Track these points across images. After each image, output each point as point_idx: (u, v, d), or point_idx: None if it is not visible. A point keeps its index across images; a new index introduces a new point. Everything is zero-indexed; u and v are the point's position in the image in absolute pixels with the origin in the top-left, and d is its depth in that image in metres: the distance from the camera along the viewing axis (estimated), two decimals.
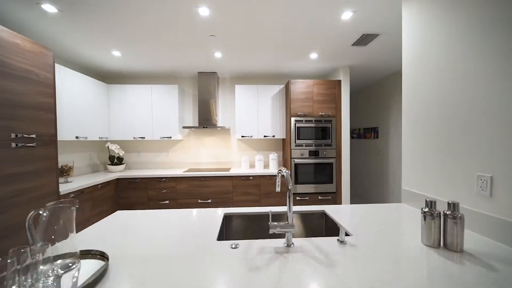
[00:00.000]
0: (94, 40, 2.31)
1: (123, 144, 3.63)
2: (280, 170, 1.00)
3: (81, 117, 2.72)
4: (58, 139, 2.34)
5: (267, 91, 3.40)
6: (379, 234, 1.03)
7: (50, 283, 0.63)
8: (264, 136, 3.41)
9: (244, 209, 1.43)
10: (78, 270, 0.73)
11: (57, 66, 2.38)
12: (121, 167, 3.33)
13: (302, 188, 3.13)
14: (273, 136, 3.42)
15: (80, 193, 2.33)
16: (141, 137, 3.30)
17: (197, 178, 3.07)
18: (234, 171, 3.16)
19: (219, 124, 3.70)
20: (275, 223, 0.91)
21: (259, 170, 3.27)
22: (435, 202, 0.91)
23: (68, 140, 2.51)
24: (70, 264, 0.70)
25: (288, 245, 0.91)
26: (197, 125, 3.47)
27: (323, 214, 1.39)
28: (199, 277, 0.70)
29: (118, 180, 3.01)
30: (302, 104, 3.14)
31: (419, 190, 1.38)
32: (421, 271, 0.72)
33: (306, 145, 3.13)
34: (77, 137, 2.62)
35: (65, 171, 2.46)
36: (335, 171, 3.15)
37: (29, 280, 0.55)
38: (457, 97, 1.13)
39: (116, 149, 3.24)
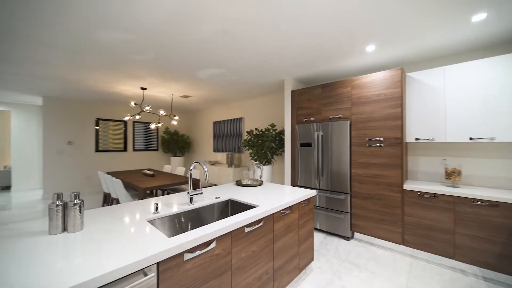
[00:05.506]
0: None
1: None
2: None
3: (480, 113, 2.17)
4: (437, 141, 2.43)
5: None
6: None
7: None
8: None
9: None
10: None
11: (420, 72, 2.39)
12: None
13: None
14: None
15: (419, 195, 2.25)
16: None
17: None
18: None
19: None
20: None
21: None
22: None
23: (458, 141, 2.31)
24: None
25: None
26: None
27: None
28: None
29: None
30: None
31: None
32: None
33: None
34: (471, 138, 2.23)
35: (450, 174, 2.35)
36: None
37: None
38: None
39: None
